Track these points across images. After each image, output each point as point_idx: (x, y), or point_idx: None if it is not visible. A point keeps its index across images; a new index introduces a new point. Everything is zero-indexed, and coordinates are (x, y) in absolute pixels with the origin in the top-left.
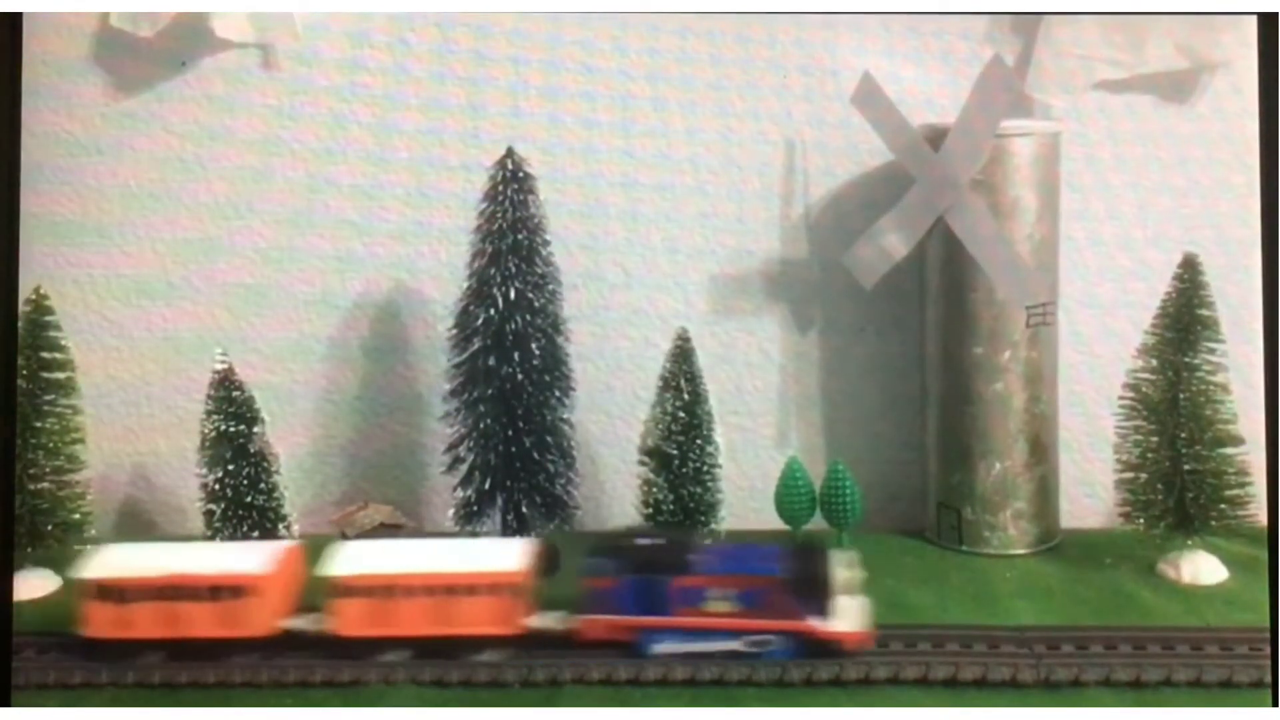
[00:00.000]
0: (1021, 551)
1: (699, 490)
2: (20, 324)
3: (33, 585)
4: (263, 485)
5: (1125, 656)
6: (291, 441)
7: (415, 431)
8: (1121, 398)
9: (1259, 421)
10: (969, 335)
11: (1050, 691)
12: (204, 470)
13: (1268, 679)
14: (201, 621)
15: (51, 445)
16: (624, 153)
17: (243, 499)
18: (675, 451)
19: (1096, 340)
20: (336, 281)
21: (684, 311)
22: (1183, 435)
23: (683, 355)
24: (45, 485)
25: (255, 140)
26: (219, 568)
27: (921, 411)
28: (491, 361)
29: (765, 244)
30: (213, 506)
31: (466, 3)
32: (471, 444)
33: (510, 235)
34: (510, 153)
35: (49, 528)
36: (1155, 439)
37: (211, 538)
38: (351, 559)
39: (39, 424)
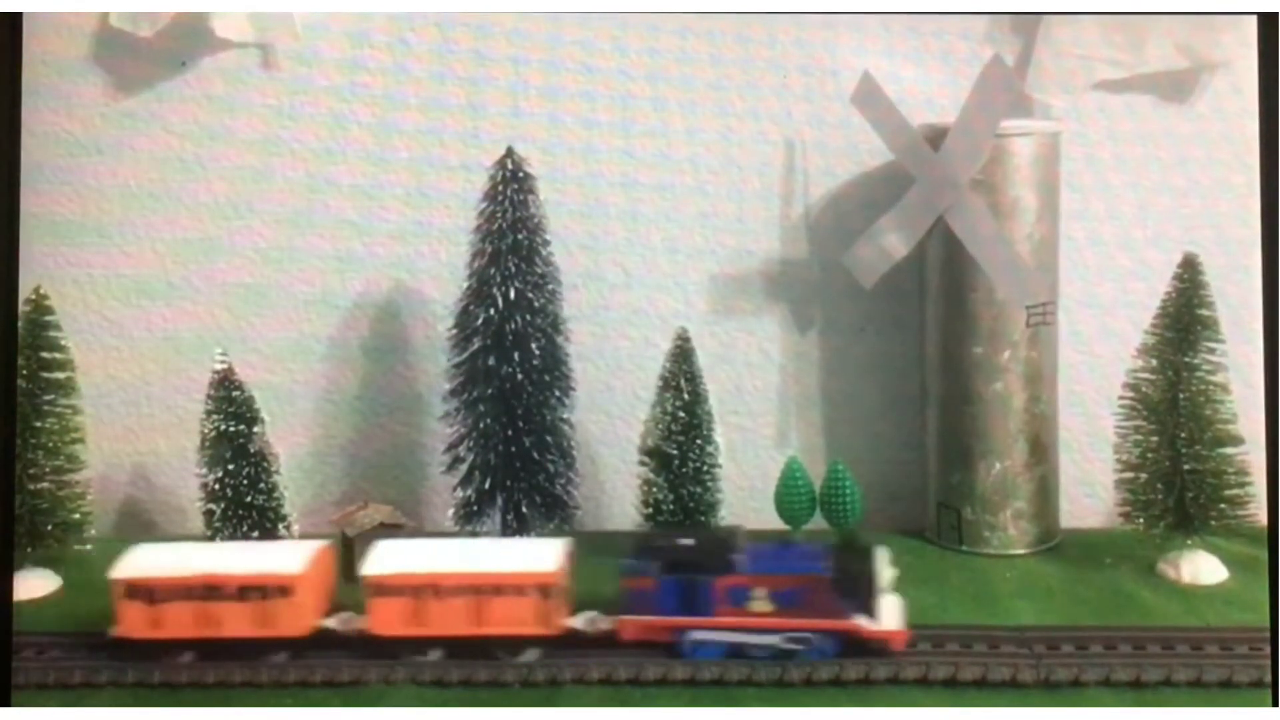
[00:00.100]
0: (1021, 551)
1: (699, 490)
2: (20, 324)
3: (33, 585)
4: (263, 485)
5: (1125, 656)
6: (291, 441)
7: (415, 431)
8: (1121, 398)
9: (1259, 421)
10: (969, 335)
11: (1050, 691)
12: (204, 470)
13: (1268, 679)
14: (234, 621)
15: (51, 445)
16: (624, 153)
17: (243, 499)
18: (675, 451)
19: (1096, 340)
20: (336, 281)
21: (684, 311)
22: (1183, 435)
23: (683, 355)
24: (45, 485)
25: (255, 140)
26: (252, 567)
27: (921, 411)
28: (491, 361)
29: (765, 244)
30: (213, 506)
31: (466, 3)
32: (471, 444)
33: (510, 235)
34: (510, 153)
35: (49, 528)
36: (1155, 439)
37: (211, 538)
38: (387, 558)
39: (39, 424)
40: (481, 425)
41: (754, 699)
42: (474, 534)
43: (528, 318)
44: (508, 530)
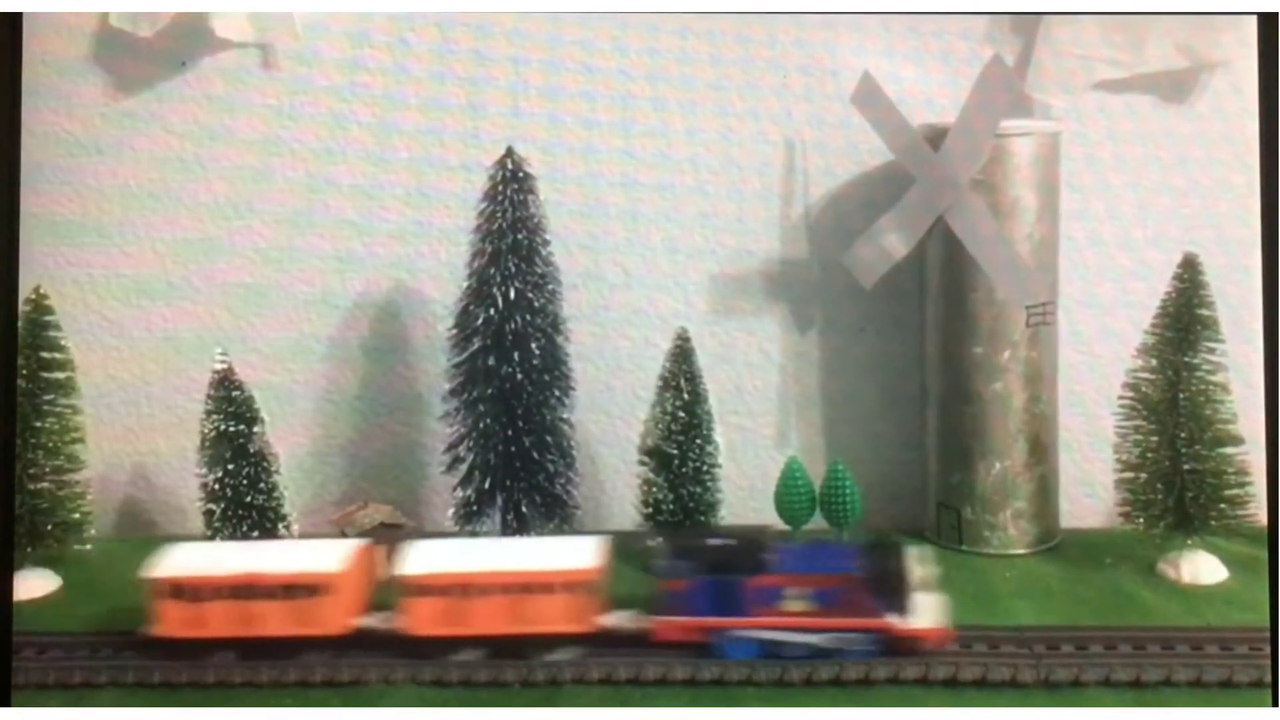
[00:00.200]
0: (1021, 551)
1: (699, 490)
2: (20, 324)
3: (33, 585)
4: (262, 485)
5: (1125, 656)
6: (291, 441)
7: (415, 431)
8: (1121, 397)
9: (1259, 421)
10: (969, 335)
11: (1050, 691)
12: (204, 470)
13: (1268, 679)
14: (275, 620)
15: (51, 445)
16: (624, 153)
17: (243, 499)
18: (675, 451)
19: (1096, 340)
20: (336, 281)
21: (684, 311)
22: (1182, 435)
23: (683, 355)
24: (45, 485)
25: (255, 140)
26: (292, 566)
27: (921, 411)
28: (491, 361)
29: (765, 244)
30: (213, 506)
31: (466, 3)
32: (471, 444)
33: (510, 235)
34: (510, 153)
35: (49, 528)
36: (1155, 439)
37: (211, 538)
38: (424, 558)
39: (39, 424)
40: (481, 425)
41: (754, 699)
42: (474, 534)
43: (528, 318)
44: (508, 530)
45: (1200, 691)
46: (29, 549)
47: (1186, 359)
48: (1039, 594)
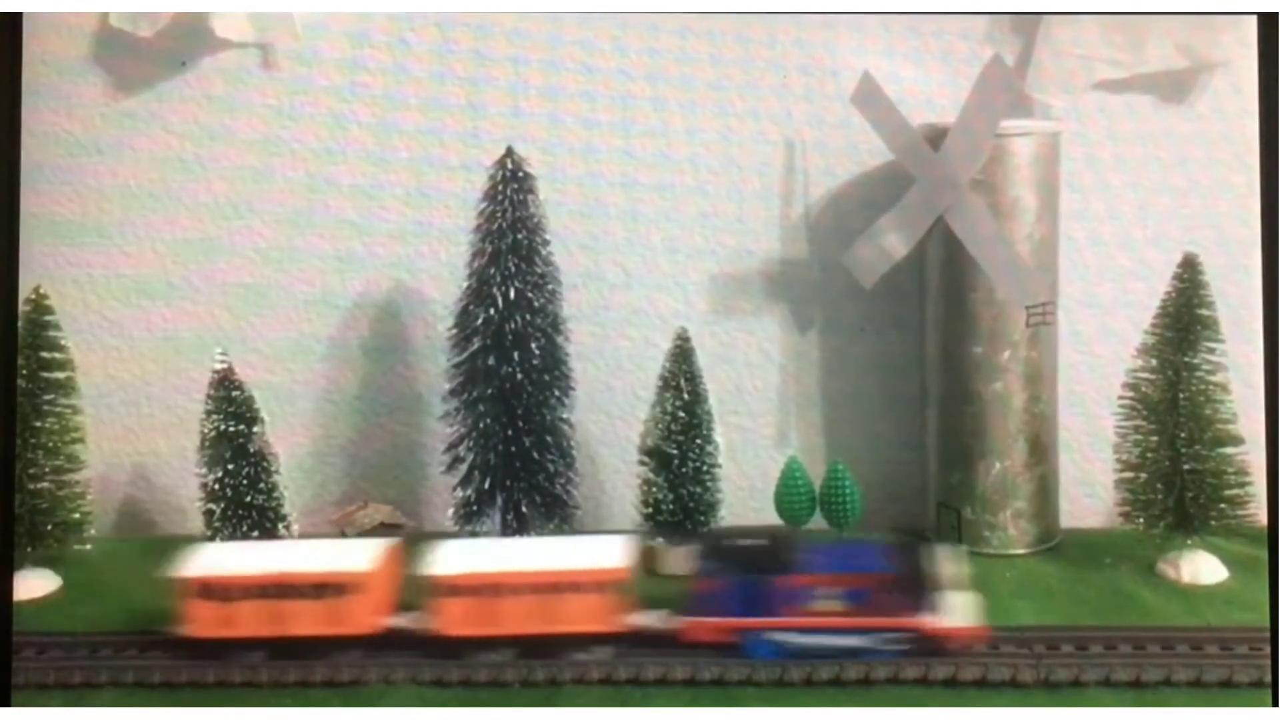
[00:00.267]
0: (1021, 551)
1: (699, 490)
2: (20, 324)
3: (33, 585)
4: (262, 485)
5: (1125, 656)
6: (291, 441)
7: (415, 431)
8: (1121, 397)
9: (1259, 421)
10: (969, 335)
11: (1050, 691)
12: (204, 470)
13: (1268, 679)
14: (305, 619)
15: (51, 445)
16: (624, 153)
17: (242, 499)
18: (675, 451)
19: (1096, 340)
20: (336, 281)
21: (684, 311)
22: (1182, 435)
23: (683, 355)
24: (45, 485)
25: (255, 140)
26: (323, 565)
27: (921, 411)
28: (491, 361)
29: (765, 244)
30: (212, 506)
31: (466, 3)
32: (471, 444)
33: (510, 235)
34: (510, 152)
35: (49, 527)
36: (1155, 439)
37: (211, 537)
38: (454, 558)
39: (39, 424)
40: (481, 425)
41: (754, 699)
42: (474, 534)
43: (528, 318)
44: (508, 530)
45: (1200, 691)
46: (29, 549)
47: (1186, 359)
48: (1039, 594)
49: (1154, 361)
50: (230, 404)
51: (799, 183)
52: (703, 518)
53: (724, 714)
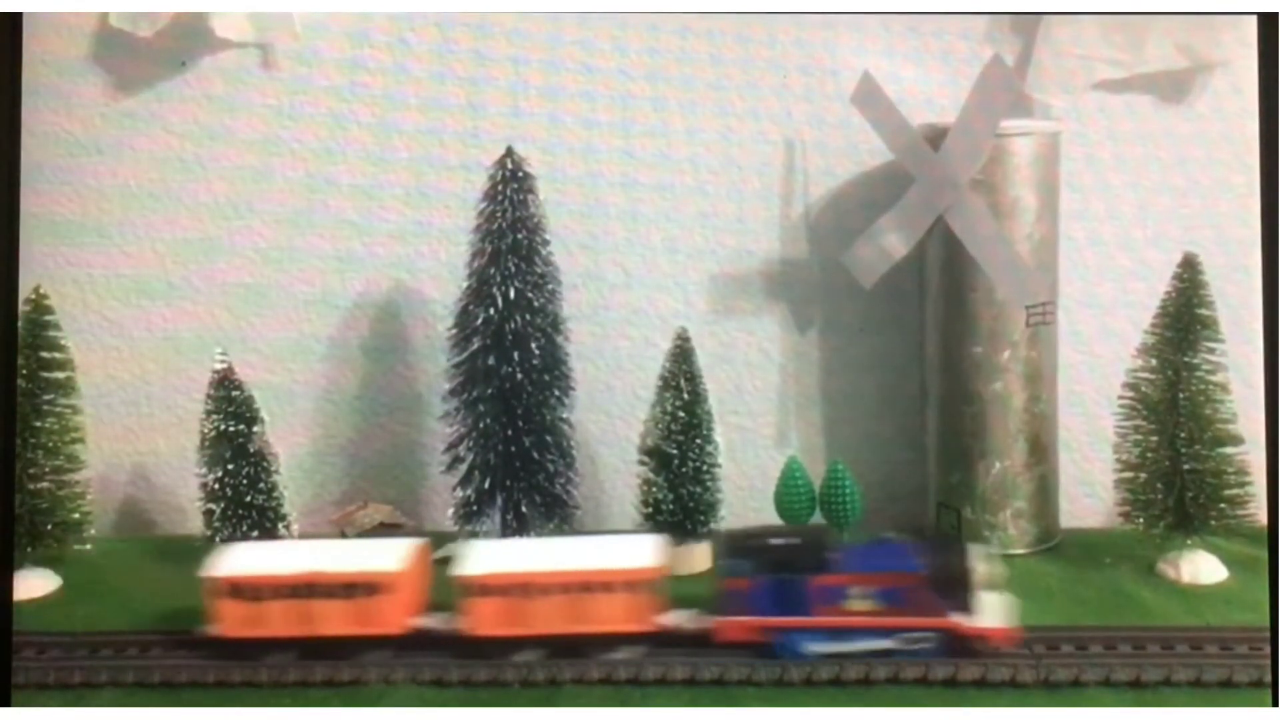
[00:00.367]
0: (1021, 551)
1: (699, 490)
2: (20, 324)
3: (33, 585)
4: (262, 485)
5: (1125, 656)
6: (291, 441)
7: (415, 431)
8: (1121, 397)
9: (1259, 421)
10: (969, 335)
11: (1050, 691)
12: (204, 470)
13: (1267, 679)
14: (335, 619)
15: (51, 445)
16: (624, 153)
17: (242, 498)
18: (675, 451)
19: (1096, 340)
20: (336, 281)
21: (684, 311)
22: (1182, 435)
23: (682, 355)
24: (45, 485)
25: (255, 140)
26: (353, 565)
27: (921, 411)
28: (491, 361)
29: (765, 244)
30: (212, 506)
31: (466, 3)
32: (471, 444)
33: (510, 235)
34: (510, 152)
35: (49, 527)
36: (1155, 438)
37: (211, 537)
38: (484, 558)
39: (39, 424)
40: (481, 425)
41: (754, 699)
42: (474, 534)
43: (527, 317)
44: (507, 530)
45: (1200, 691)
46: (29, 549)
47: (1186, 359)
48: (1039, 594)
49: (1154, 361)
50: (230, 404)
51: (799, 183)
52: (703, 518)
53: (724, 714)
